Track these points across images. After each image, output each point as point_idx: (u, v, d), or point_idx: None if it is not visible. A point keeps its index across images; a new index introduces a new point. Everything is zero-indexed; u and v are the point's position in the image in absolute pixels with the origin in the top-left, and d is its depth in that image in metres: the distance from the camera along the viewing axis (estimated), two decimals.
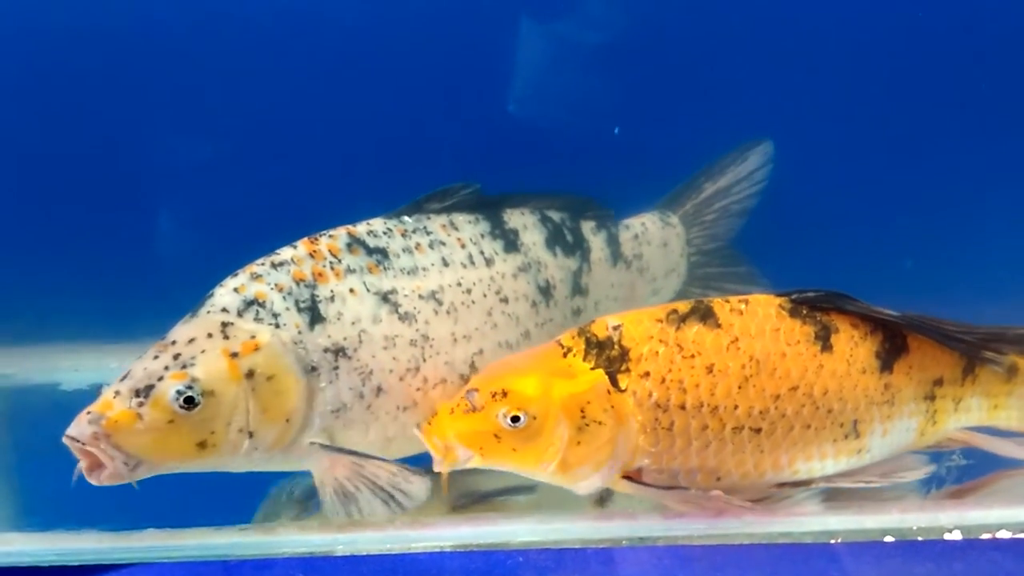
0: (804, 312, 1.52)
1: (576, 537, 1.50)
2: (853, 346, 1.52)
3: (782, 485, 1.52)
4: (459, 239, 1.63)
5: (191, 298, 2.02)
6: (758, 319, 1.49)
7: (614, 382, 1.44)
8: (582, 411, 1.42)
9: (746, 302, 1.52)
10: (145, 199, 2.01)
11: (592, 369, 1.45)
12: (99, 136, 1.96)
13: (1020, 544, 1.50)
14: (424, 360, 1.54)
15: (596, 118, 2.02)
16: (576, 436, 1.41)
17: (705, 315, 1.48)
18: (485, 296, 1.61)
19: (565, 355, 1.46)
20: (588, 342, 1.46)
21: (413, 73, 1.99)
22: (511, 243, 1.67)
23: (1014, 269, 2.03)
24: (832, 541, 1.49)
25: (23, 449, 1.92)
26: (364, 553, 1.47)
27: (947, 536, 1.51)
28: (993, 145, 2.05)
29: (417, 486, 1.47)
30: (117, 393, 1.39)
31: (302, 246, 1.54)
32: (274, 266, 1.52)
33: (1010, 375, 1.61)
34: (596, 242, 1.79)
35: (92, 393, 2.01)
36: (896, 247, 2.06)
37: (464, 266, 1.61)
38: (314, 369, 1.47)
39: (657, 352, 1.45)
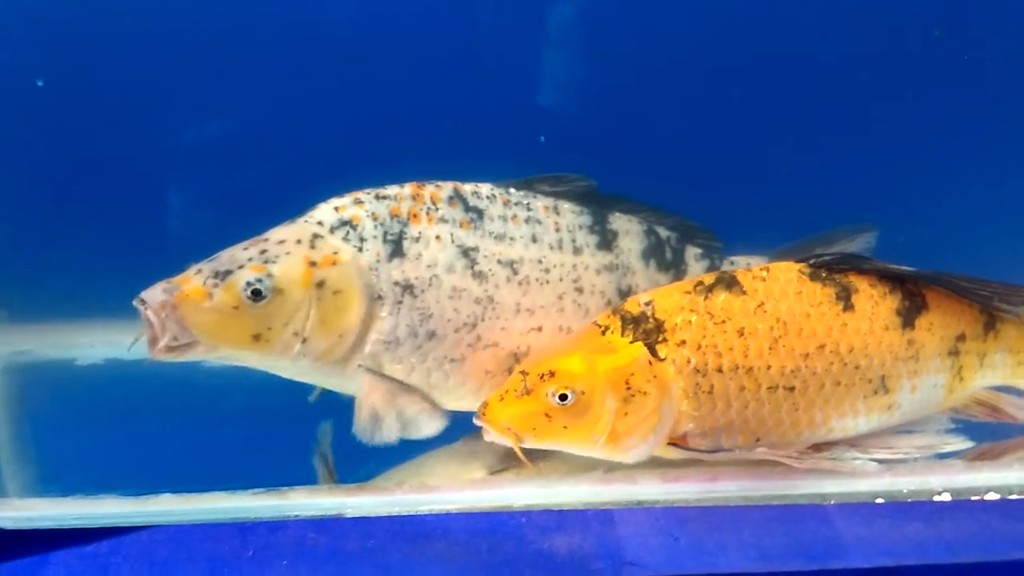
0: (823, 275, 1.57)
1: (577, 500, 1.55)
2: (874, 304, 1.57)
3: (820, 447, 1.57)
4: (556, 223, 1.68)
5: None
6: (780, 284, 1.55)
7: (653, 353, 1.50)
8: (627, 382, 1.47)
9: (767, 269, 1.58)
10: (160, 176, 2.04)
11: (631, 343, 1.50)
12: (115, 114, 1.98)
13: (1008, 505, 1.55)
14: (483, 320, 1.60)
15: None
16: (623, 407, 1.47)
17: (730, 283, 1.54)
18: (561, 280, 1.66)
19: (603, 333, 1.52)
20: (623, 319, 1.52)
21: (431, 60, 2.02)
22: (606, 242, 1.71)
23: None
24: (825, 503, 1.54)
25: (42, 421, 1.96)
26: (372, 515, 1.52)
27: (936, 498, 1.56)
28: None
29: (431, 426, 1.55)
30: (199, 271, 1.50)
31: (409, 187, 1.62)
32: (377, 197, 1.60)
33: None
34: (696, 268, 1.81)
35: (106, 368, 2.10)
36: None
37: (551, 247, 1.66)
38: (380, 298, 1.54)
39: (690, 321, 1.51)
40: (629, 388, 1.47)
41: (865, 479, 1.57)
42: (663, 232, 1.79)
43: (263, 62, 1.99)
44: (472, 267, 1.59)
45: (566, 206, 1.70)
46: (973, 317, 1.65)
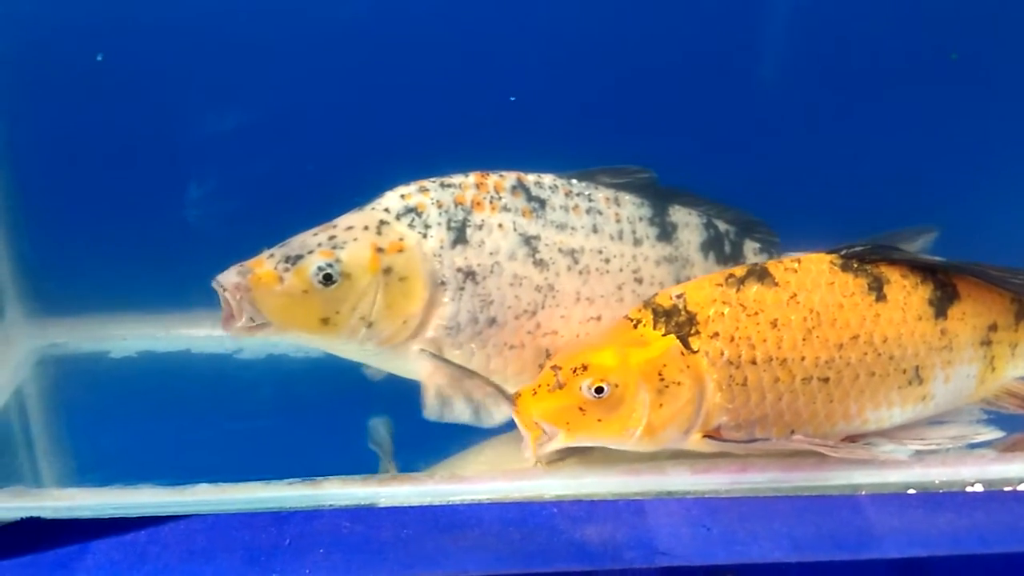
0: (855, 266, 1.57)
1: (607, 491, 1.56)
2: (906, 295, 1.57)
3: (855, 439, 1.57)
4: (616, 214, 1.69)
5: None
6: (812, 275, 1.55)
7: (686, 345, 1.50)
8: (660, 374, 1.48)
9: (798, 261, 1.58)
10: (194, 171, 2.06)
11: (663, 336, 1.50)
12: (149, 108, 2.00)
13: None
14: (543, 307, 1.62)
15: None
16: (658, 399, 1.47)
17: (762, 275, 1.54)
18: (621, 271, 1.68)
19: (635, 326, 1.52)
20: (655, 312, 1.53)
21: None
22: (666, 234, 1.73)
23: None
24: (856, 494, 1.55)
25: (77, 413, 1.99)
26: (405, 505, 1.54)
27: (969, 489, 1.56)
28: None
29: (500, 412, 1.57)
30: (271, 256, 1.54)
31: (473, 176, 1.65)
32: (442, 185, 1.63)
33: None
34: (754, 262, 1.80)
35: (140, 360, 2.12)
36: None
37: (612, 238, 1.68)
38: (443, 283, 1.58)
39: (722, 313, 1.51)
40: (663, 379, 1.48)
41: (896, 469, 1.57)
42: (722, 226, 1.80)
43: (298, 59, 2.00)
44: (533, 255, 1.62)
45: (627, 197, 1.71)
46: (1004, 307, 1.64)
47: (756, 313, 1.51)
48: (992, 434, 1.61)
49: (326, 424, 1.86)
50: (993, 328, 1.63)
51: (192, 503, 1.55)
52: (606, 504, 1.53)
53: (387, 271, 1.54)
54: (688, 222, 1.76)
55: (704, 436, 1.52)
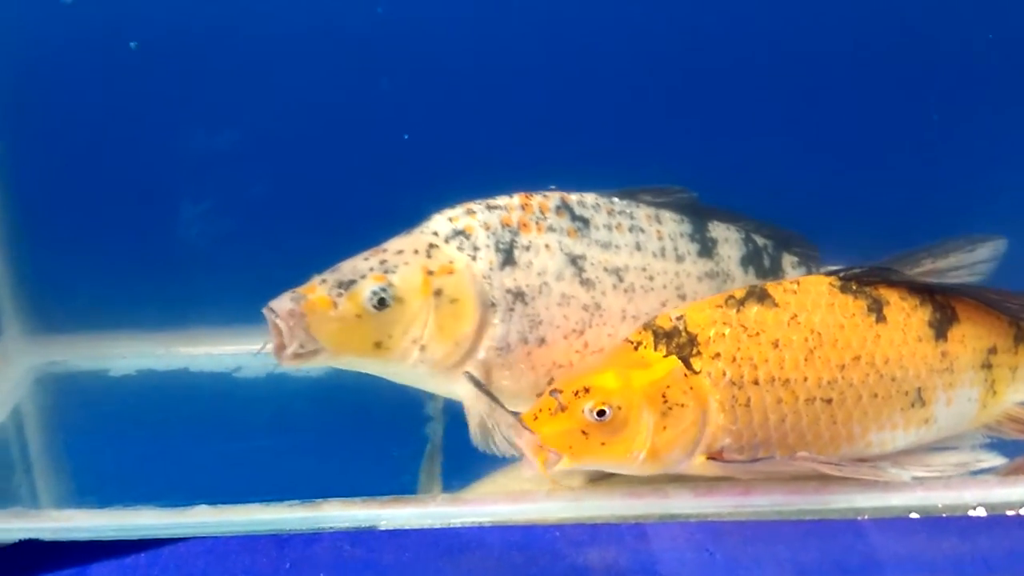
0: (854, 288, 1.58)
1: (610, 514, 1.55)
2: (906, 316, 1.57)
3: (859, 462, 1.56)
4: (658, 231, 1.71)
5: (237, 287, 2.08)
6: (812, 296, 1.55)
7: (688, 366, 1.50)
8: (663, 396, 1.47)
9: (798, 283, 1.58)
10: (194, 190, 2.06)
11: (665, 357, 1.50)
12: (148, 126, 2.01)
13: None
14: (591, 326, 1.64)
15: None
16: (662, 421, 1.47)
17: (762, 296, 1.55)
18: (665, 287, 1.69)
19: (636, 349, 1.52)
20: (656, 334, 1.52)
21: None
22: (707, 249, 1.75)
23: None
24: (858, 518, 1.54)
25: (76, 432, 1.98)
26: (406, 528, 1.53)
27: (971, 513, 1.55)
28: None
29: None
30: (324, 281, 1.54)
31: (517, 197, 1.66)
32: (488, 207, 1.64)
33: None
34: (793, 275, 1.83)
35: (139, 379, 2.12)
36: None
37: (654, 255, 1.70)
38: (493, 305, 1.59)
39: (723, 334, 1.51)
40: (666, 401, 1.47)
41: (899, 493, 1.56)
42: (760, 240, 1.81)
43: (299, 75, 2.01)
44: (580, 275, 1.63)
45: (667, 215, 1.74)
46: (1003, 330, 1.64)
47: (757, 334, 1.51)
48: (995, 460, 1.61)
49: (327, 444, 1.86)
50: (993, 351, 1.63)
51: (191, 525, 1.54)
52: (608, 528, 1.53)
53: (438, 294, 1.55)
54: (727, 237, 1.78)
55: (708, 458, 1.51)
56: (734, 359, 1.50)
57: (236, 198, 2.07)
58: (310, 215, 2.09)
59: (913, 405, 1.57)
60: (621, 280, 1.66)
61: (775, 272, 1.82)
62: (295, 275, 1.79)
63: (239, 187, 2.07)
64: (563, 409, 1.45)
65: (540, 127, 2.01)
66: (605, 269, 1.65)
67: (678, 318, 1.53)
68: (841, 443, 1.54)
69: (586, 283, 1.64)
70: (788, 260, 1.84)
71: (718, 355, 1.50)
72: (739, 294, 1.55)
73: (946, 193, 2.03)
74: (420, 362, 1.57)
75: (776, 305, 1.54)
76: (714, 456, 1.51)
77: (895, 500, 1.56)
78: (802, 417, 1.51)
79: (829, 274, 1.60)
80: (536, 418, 1.46)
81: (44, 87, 1.99)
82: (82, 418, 2.03)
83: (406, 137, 2.03)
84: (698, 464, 1.52)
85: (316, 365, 1.55)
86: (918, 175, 2.05)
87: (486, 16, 1.99)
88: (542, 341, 1.61)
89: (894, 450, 1.59)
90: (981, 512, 1.55)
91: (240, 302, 2.09)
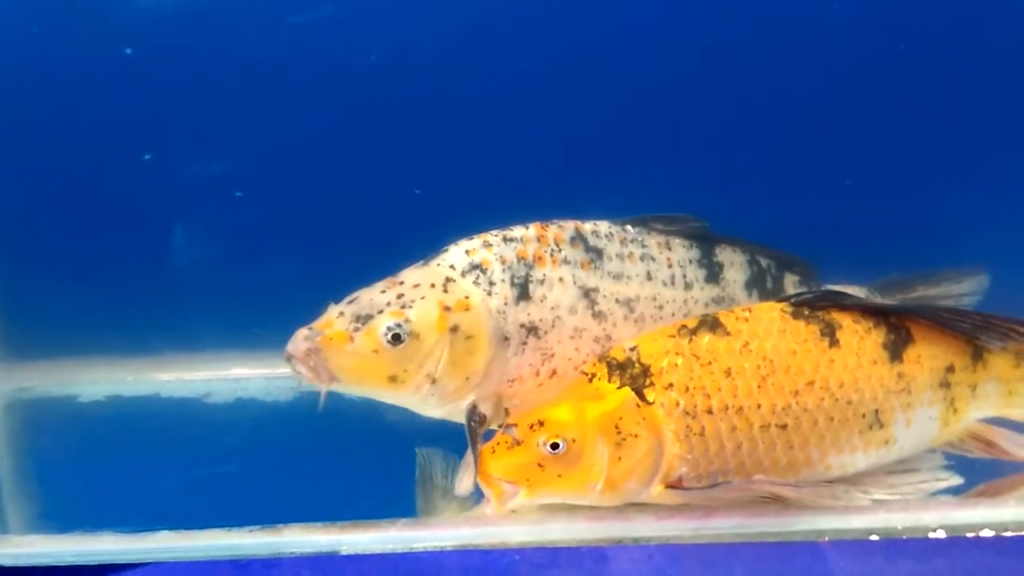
0: (806, 313, 1.59)
1: (571, 537, 1.55)
2: (859, 339, 1.58)
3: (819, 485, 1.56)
4: (669, 259, 1.73)
5: (206, 313, 2.10)
6: (764, 323, 1.56)
7: (641, 397, 1.51)
8: (617, 427, 1.48)
9: (749, 310, 1.59)
10: (159, 214, 2.07)
11: (618, 389, 1.51)
12: (114, 151, 2.02)
13: (1002, 542, 1.54)
14: None
15: None
16: (616, 452, 1.48)
17: (713, 325, 1.55)
18: (673, 315, 1.71)
19: (591, 380, 1.54)
20: (610, 365, 1.54)
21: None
22: (714, 275, 1.77)
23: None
24: (819, 540, 1.54)
25: (43, 458, 1.99)
26: (367, 552, 1.53)
27: (931, 535, 1.56)
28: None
29: (463, 485, 1.60)
30: (341, 314, 1.54)
31: (533, 228, 1.67)
32: (505, 240, 1.64)
33: (1018, 360, 1.67)
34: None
35: (108, 404, 2.12)
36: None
37: (664, 284, 1.72)
38: (506, 339, 1.59)
39: (676, 364, 1.52)
40: (620, 432, 1.48)
41: (859, 515, 1.57)
42: (764, 261, 1.84)
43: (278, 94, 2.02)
44: (592, 307, 1.64)
45: (676, 241, 1.76)
46: (960, 348, 1.65)
47: (709, 363, 1.52)
48: (953, 480, 1.61)
49: (294, 469, 1.86)
50: (951, 370, 1.64)
51: (152, 550, 1.54)
52: (569, 551, 1.53)
53: (454, 329, 1.56)
54: (733, 260, 1.80)
55: (666, 487, 1.52)
56: (687, 389, 1.51)
57: (208, 225, 2.09)
58: (284, 242, 2.10)
59: (871, 427, 1.58)
60: (632, 311, 1.68)
61: (777, 294, 1.83)
62: (268, 301, 1.81)
63: (211, 214, 2.08)
64: (518, 443, 1.46)
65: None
66: (617, 300, 1.67)
67: (631, 349, 1.54)
68: (800, 467, 1.55)
69: (598, 315, 1.65)
70: (790, 280, 1.86)
71: (671, 385, 1.51)
72: (691, 323, 1.57)
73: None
74: (431, 395, 1.58)
75: (728, 333, 1.55)
76: (673, 484, 1.52)
77: (856, 522, 1.56)
78: (758, 444, 1.52)
79: (780, 300, 1.62)
80: (494, 451, 1.47)
81: (12, 121, 2.00)
82: (51, 444, 2.04)
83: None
84: (657, 493, 1.52)
85: (336, 390, 1.56)
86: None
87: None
88: (553, 373, 1.63)
89: (855, 472, 1.60)
90: (941, 534, 1.56)
91: (210, 328, 2.13)
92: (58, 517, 1.72)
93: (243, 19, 1.97)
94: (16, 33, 1.97)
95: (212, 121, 2.02)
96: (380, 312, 1.53)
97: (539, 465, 1.46)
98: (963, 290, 1.86)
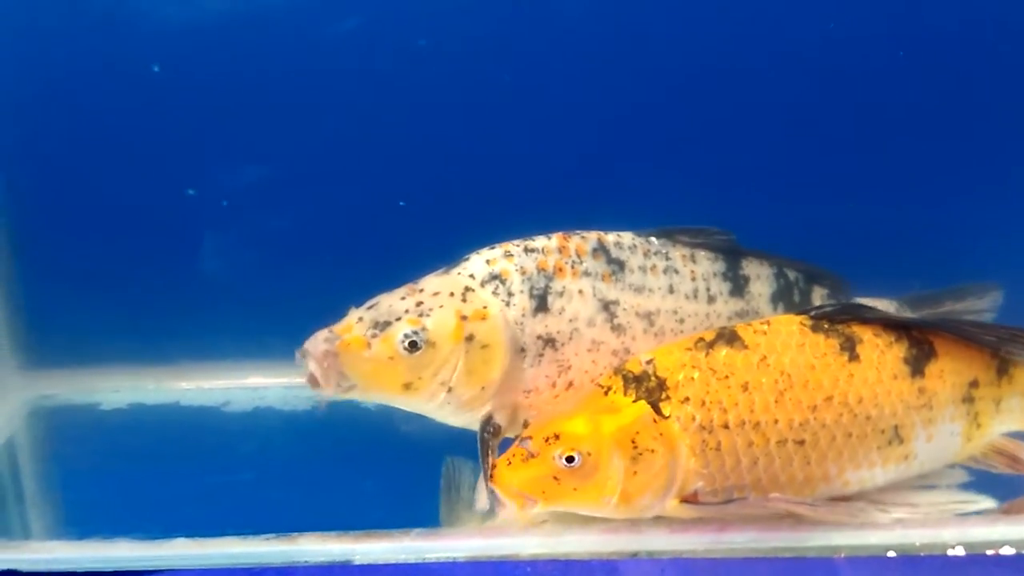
0: (826, 326, 1.57)
1: (584, 550, 1.55)
2: (879, 353, 1.56)
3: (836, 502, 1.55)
4: (692, 271, 1.73)
5: (226, 322, 2.12)
6: (782, 337, 1.55)
7: (657, 411, 1.50)
8: (633, 441, 1.47)
9: (768, 323, 1.58)
10: (180, 224, 2.10)
11: (634, 402, 1.50)
12: (136, 162, 2.04)
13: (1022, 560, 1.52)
14: None
15: None
16: (632, 466, 1.47)
17: (731, 339, 1.54)
18: (695, 329, 1.70)
19: (606, 394, 1.53)
20: (625, 379, 1.53)
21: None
22: (739, 288, 1.76)
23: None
24: (835, 556, 1.53)
25: (67, 465, 2.01)
26: (380, 562, 1.53)
27: (950, 552, 1.54)
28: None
29: (481, 501, 1.62)
30: (360, 319, 1.56)
31: (556, 239, 1.67)
32: (526, 250, 1.65)
33: None
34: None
35: (130, 412, 2.14)
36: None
37: (687, 298, 1.71)
38: (523, 350, 1.60)
39: (692, 378, 1.51)
40: (636, 447, 1.47)
41: (877, 531, 1.55)
42: (792, 274, 1.82)
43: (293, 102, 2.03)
44: (611, 320, 1.64)
45: (702, 254, 1.75)
46: (985, 363, 1.63)
47: (726, 377, 1.51)
48: (985, 503, 1.60)
49: (310, 477, 1.87)
50: (975, 384, 1.62)
51: (168, 557, 1.55)
52: (580, 564, 1.52)
53: (470, 339, 1.56)
54: (760, 274, 1.79)
55: (681, 501, 1.51)
56: (703, 403, 1.50)
57: (228, 235, 2.11)
58: (303, 252, 2.12)
59: (891, 443, 1.56)
60: (652, 324, 1.67)
61: (804, 307, 1.81)
62: (287, 311, 1.82)
63: (232, 224, 2.10)
64: (533, 456, 1.46)
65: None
66: (637, 314, 1.66)
67: (648, 362, 1.53)
68: (817, 483, 1.54)
69: (617, 328, 1.65)
70: (818, 293, 1.85)
71: (687, 399, 1.50)
72: (708, 336, 1.55)
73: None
74: (446, 403, 1.59)
75: (745, 347, 1.53)
76: (688, 499, 1.51)
77: (873, 539, 1.55)
78: (774, 459, 1.50)
79: (800, 313, 1.60)
80: (510, 464, 1.47)
81: (37, 126, 2.04)
82: (73, 451, 2.06)
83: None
84: (672, 507, 1.51)
85: (351, 398, 1.57)
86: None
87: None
88: (570, 385, 1.63)
89: (874, 488, 1.58)
90: (960, 551, 1.53)
91: (230, 337, 2.15)
92: (76, 523, 1.74)
93: (262, 30, 1.99)
94: (38, 43, 1.99)
95: (234, 131, 2.04)
96: (398, 319, 1.54)
97: (554, 478, 1.45)
98: (984, 305, 1.85)
